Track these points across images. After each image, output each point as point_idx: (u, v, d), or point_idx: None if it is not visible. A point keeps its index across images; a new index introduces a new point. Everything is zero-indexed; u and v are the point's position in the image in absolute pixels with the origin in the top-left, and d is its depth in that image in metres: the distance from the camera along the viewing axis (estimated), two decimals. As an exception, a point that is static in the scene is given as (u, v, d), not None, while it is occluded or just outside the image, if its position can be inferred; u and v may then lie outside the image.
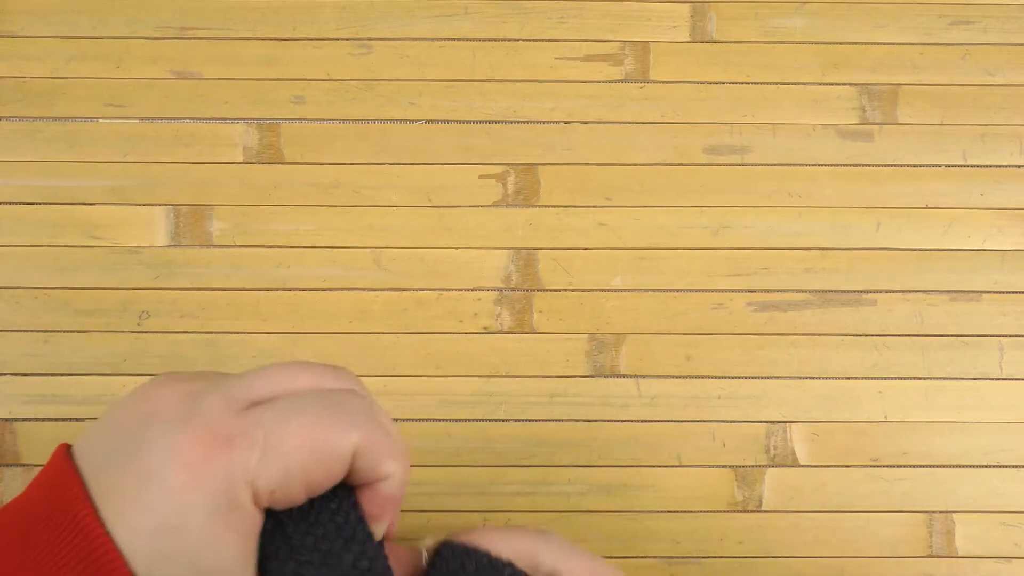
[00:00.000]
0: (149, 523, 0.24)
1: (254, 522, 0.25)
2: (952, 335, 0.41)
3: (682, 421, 0.40)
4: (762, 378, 0.41)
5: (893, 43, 0.42)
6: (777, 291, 0.41)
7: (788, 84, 0.42)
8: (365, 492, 0.27)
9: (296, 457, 0.24)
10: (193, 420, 0.24)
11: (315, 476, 0.25)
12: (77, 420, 0.40)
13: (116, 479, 0.24)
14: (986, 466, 0.40)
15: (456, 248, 0.41)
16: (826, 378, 0.41)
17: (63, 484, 0.24)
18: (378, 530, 0.27)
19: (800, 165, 0.42)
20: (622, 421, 0.40)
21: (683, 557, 0.40)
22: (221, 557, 0.24)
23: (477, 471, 0.40)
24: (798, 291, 0.41)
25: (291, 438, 0.24)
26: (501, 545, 0.28)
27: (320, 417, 0.25)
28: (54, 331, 0.40)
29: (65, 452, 0.25)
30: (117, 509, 0.24)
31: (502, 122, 0.42)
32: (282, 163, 0.41)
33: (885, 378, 0.41)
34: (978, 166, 0.42)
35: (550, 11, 0.42)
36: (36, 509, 0.24)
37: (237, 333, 0.40)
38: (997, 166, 0.42)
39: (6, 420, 0.40)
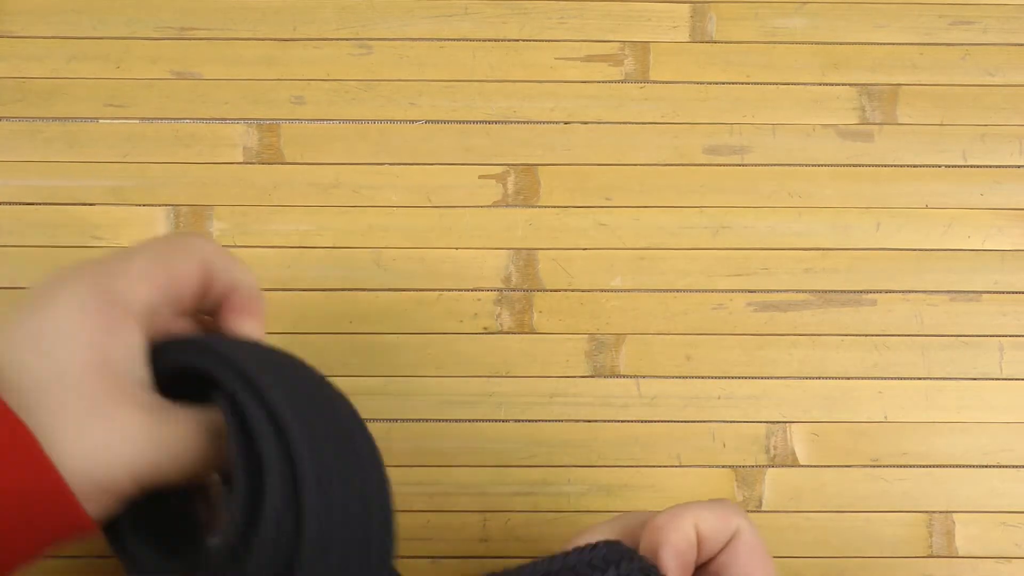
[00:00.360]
0: (24, 335, 0.26)
1: (124, 306, 0.27)
2: (952, 335, 0.41)
3: (682, 421, 0.40)
4: (762, 378, 0.41)
5: (893, 43, 0.42)
6: (777, 291, 0.41)
7: (788, 84, 0.42)
8: (231, 302, 0.30)
9: (151, 272, 0.28)
10: (91, 276, 0.28)
11: (181, 270, 0.29)
12: (77, 420, 0.40)
13: (6, 320, 0.27)
14: (986, 466, 0.40)
15: (456, 248, 0.41)
16: (826, 378, 0.41)
17: None
18: (256, 328, 0.31)
19: (800, 165, 0.42)
20: (622, 421, 0.40)
21: (683, 557, 0.40)
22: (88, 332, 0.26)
23: (477, 471, 0.40)
24: (798, 291, 0.41)
25: (141, 263, 0.28)
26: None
27: (164, 248, 0.29)
28: (54, 331, 0.40)
29: None
30: (12, 357, 0.26)
31: (502, 122, 0.42)
32: (282, 163, 0.41)
33: (885, 378, 0.41)
34: (978, 166, 0.42)
35: (550, 11, 0.42)
36: None
37: (237, 333, 0.40)
38: (997, 166, 0.42)
39: (6, 420, 0.40)
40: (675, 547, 0.28)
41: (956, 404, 0.41)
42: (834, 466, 0.40)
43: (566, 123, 0.42)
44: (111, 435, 0.25)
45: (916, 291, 0.41)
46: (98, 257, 0.29)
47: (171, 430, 0.27)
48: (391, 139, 0.42)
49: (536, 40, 0.42)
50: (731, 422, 0.40)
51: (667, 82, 0.42)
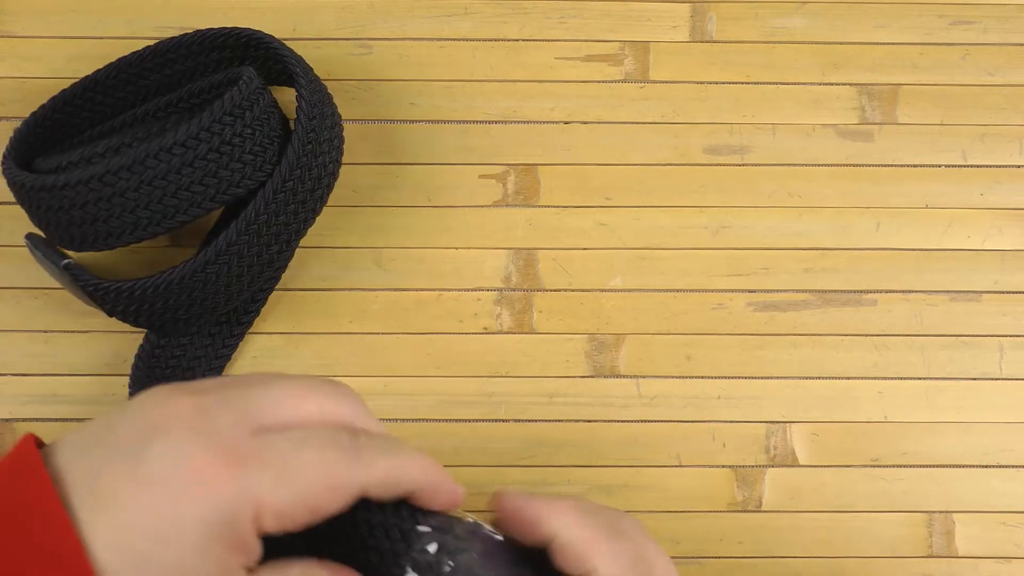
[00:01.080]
0: (143, 526, 0.24)
1: (246, 547, 0.25)
2: (952, 335, 0.41)
3: (682, 421, 0.40)
4: (762, 378, 0.41)
5: (893, 43, 0.42)
6: (777, 291, 0.41)
7: (788, 84, 0.42)
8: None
9: (309, 485, 0.25)
10: (207, 435, 0.25)
11: (324, 506, 0.25)
12: (77, 420, 0.40)
13: (113, 482, 0.24)
14: (986, 466, 0.40)
15: (456, 248, 0.41)
16: (826, 378, 0.41)
17: (30, 478, 0.24)
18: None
19: (800, 165, 0.42)
20: (622, 421, 0.40)
21: (683, 557, 0.40)
22: (208, 571, 0.24)
23: (477, 471, 0.40)
24: (798, 291, 0.41)
25: (305, 467, 0.25)
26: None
27: (334, 453, 0.26)
28: (54, 331, 0.40)
29: (34, 447, 0.25)
30: (106, 509, 0.24)
31: (502, 122, 0.42)
32: (282, 163, 0.41)
33: (885, 378, 0.41)
34: (978, 166, 0.42)
35: (550, 11, 0.42)
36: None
37: (237, 333, 0.40)
38: (997, 166, 0.42)
39: (6, 420, 0.40)
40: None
41: (956, 404, 0.41)
42: (834, 466, 0.40)
43: (566, 123, 0.42)
44: None
45: (916, 291, 0.41)
46: (225, 433, 0.25)
47: None
48: (391, 139, 0.42)
49: (536, 40, 0.42)
50: (731, 422, 0.40)
51: (667, 82, 0.42)
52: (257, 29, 0.38)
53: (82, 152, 0.36)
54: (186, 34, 0.38)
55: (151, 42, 0.38)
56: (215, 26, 0.38)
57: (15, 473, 0.25)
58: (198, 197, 0.34)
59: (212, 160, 0.34)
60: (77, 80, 0.39)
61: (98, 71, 0.39)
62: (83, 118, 0.40)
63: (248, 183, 0.35)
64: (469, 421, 0.40)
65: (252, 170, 0.35)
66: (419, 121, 0.42)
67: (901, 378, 0.41)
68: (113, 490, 0.24)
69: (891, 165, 0.42)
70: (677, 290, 0.41)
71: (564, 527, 0.28)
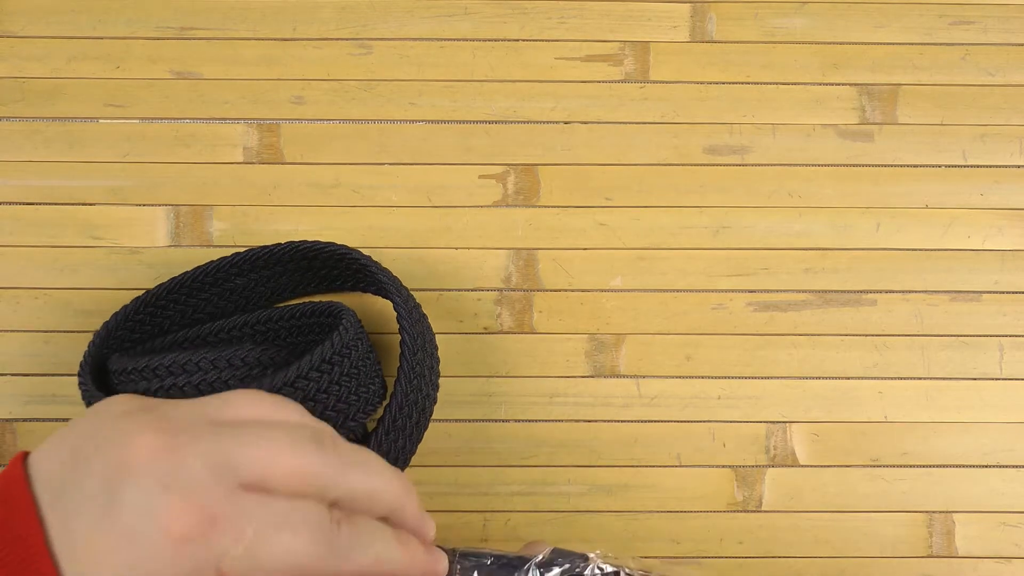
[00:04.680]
0: None
1: None
2: (952, 335, 0.41)
3: (682, 421, 0.40)
4: (762, 378, 0.41)
5: (893, 43, 0.42)
6: (777, 291, 0.41)
7: (788, 84, 0.42)
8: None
9: (278, 571, 0.25)
10: (178, 488, 0.24)
11: None
12: (77, 420, 0.40)
13: (85, 530, 0.24)
14: (986, 466, 0.40)
15: (456, 248, 0.41)
16: (826, 378, 0.41)
17: (20, 527, 0.24)
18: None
19: (800, 165, 0.42)
20: (622, 421, 0.40)
21: (683, 557, 0.40)
22: None
23: (477, 471, 0.40)
24: (798, 291, 0.41)
25: (279, 551, 0.25)
26: None
27: (311, 543, 0.25)
28: (54, 331, 0.40)
29: (23, 479, 0.25)
30: (81, 559, 0.24)
31: (502, 122, 0.42)
32: (282, 163, 0.41)
33: (885, 378, 0.41)
34: (978, 166, 0.42)
35: (550, 11, 0.42)
36: None
37: (237, 333, 0.40)
38: (997, 166, 0.42)
39: (6, 420, 0.40)
40: None
41: (956, 404, 0.41)
42: (834, 466, 0.40)
43: (566, 123, 0.42)
44: None
45: (916, 291, 0.41)
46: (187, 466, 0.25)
47: None
48: (391, 139, 0.42)
49: (536, 40, 0.42)
50: (731, 422, 0.40)
51: (667, 82, 0.42)
52: (351, 248, 0.37)
53: (148, 361, 0.34)
54: (278, 244, 0.38)
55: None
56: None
57: (4, 503, 0.24)
58: None
59: (319, 401, 0.33)
60: (163, 282, 0.39)
61: (185, 273, 0.39)
62: (166, 318, 0.39)
63: (351, 424, 0.34)
64: (469, 421, 0.40)
65: (355, 411, 0.34)
66: (419, 121, 0.42)
67: (901, 378, 0.41)
68: (86, 539, 0.24)
69: (891, 165, 0.42)
70: (677, 290, 0.41)
71: None
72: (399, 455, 0.35)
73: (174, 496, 0.24)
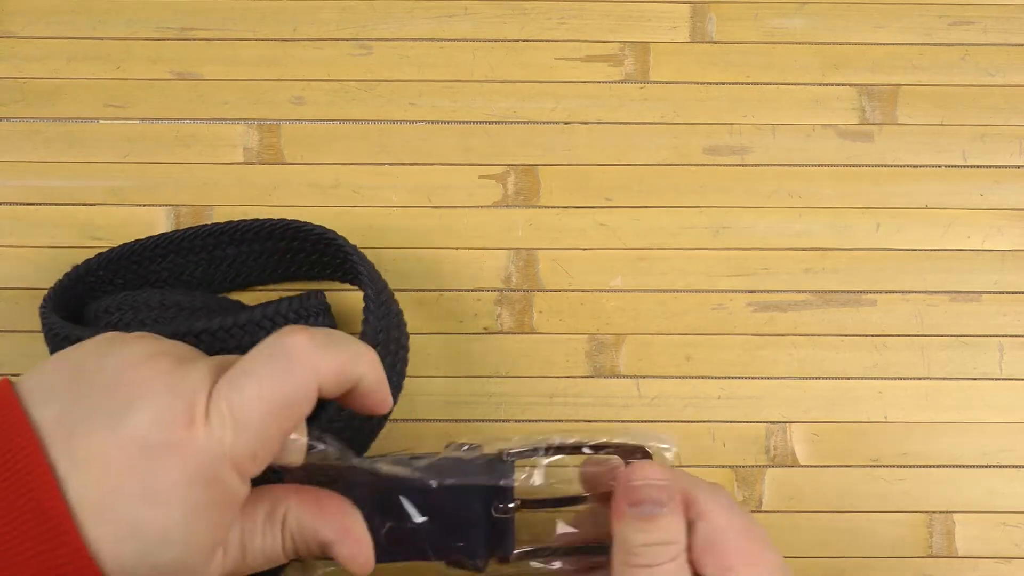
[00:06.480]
0: (130, 490, 0.23)
1: (236, 495, 0.25)
2: (952, 335, 0.41)
3: (682, 421, 0.40)
4: (762, 378, 0.41)
5: (893, 43, 0.42)
6: (777, 291, 0.41)
7: (788, 84, 0.42)
8: (351, 399, 0.28)
9: (264, 420, 0.25)
10: (178, 393, 0.25)
11: (288, 424, 0.26)
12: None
13: (95, 442, 0.24)
14: (986, 466, 0.40)
15: (456, 248, 0.41)
16: (826, 378, 0.41)
17: (16, 445, 0.24)
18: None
19: (800, 165, 0.42)
20: (622, 421, 0.40)
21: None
22: (195, 530, 0.24)
23: (477, 471, 0.40)
24: (798, 291, 0.41)
25: (252, 405, 0.25)
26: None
27: (272, 373, 0.25)
28: (54, 331, 0.40)
29: (14, 400, 0.24)
30: (89, 469, 0.23)
31: (502, 122, 0.42)
32: (282, 163, 0.41)
33: (885, 378, 0.41)
34: (978, 166, 0.42)
35: (550, 11, 0.42)
36: None
37: (237, 333, 0.40)
38: (997, 166, 0.42)
39: (6, 420, 0.40)
40: None
41: (956, 404, 0.41)
42: (834, 466, 0.40)
43: (566, 123, 0.42)
44: None
45: (916, 291, 0.41)
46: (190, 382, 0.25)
47: None
48: (391, 139, 0.42)
49: (536, 40, 0.42)
50: (731, 422, 0.40)
51: (667, 82, 0.42)
52: (335, 232, 0.37)
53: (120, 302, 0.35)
54: (269, 219, 0.38)
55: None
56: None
57: None
58: None
59: None
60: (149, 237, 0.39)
61: (175, 231, 0.39)
62: (151, 271, 0.39)
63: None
64: (469, 421, 0.40)
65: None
66: (419, 121, 0.42)
67: (901, 378, 0.41)
68: (95, 450, 0.24)
69: (891, 165, 0.42)
70: (677, 290, 0.41)
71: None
72: (355, 435, 0.34)
73: (180, 403, 0.24)
